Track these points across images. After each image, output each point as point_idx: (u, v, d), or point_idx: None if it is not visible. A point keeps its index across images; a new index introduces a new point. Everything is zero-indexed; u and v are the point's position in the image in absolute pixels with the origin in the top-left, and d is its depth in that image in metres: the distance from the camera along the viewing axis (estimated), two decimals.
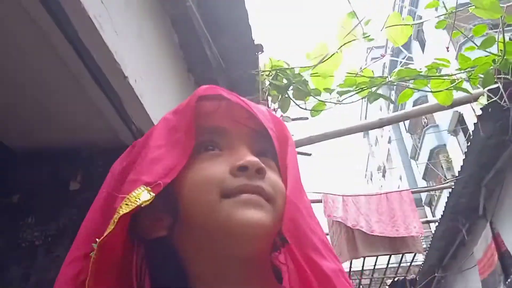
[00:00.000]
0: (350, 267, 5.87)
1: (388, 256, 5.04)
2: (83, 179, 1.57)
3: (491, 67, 2.26)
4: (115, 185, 0.58)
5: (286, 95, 2.19)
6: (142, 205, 0.50)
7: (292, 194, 0.54)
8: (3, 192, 1.52)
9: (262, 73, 2.16)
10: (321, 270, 0.50)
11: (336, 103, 2.27)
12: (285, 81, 2.22)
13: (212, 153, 0.57)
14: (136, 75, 1.45)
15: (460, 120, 13.61)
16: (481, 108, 3.12)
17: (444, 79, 2.45)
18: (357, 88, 2.35)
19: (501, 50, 2.20)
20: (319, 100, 2.23)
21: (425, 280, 6.38)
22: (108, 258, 0.51)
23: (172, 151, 0.56)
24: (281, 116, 2.22)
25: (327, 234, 4.25)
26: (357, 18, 2.15)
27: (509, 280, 3.99)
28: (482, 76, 2.39)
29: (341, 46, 2.17)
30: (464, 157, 3.80)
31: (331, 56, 2.16)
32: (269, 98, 2.22)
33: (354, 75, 2.33)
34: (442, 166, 15.88)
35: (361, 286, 7.27)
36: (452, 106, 2.77)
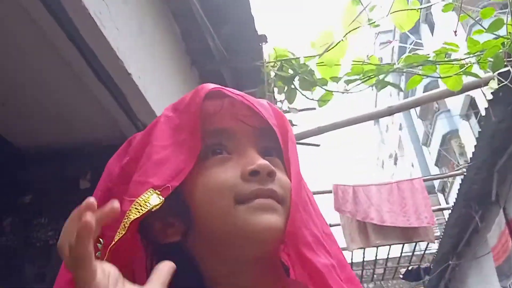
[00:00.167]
0: (364, 257, 5.86)
1: (402, 245, 5.02)
2: (92, 177, 1.58)
3: (500, 50, 2.21)
4: (116, 183, 0.58)
5: (292, 86, 2.16)
6: (152, 210, 0.50)
7: (293, 192, 0.55)
8: (16, 193, 1.54)
9: (267, 64, 2.14)
10: (313, 266, 0.51)
11: (343, 92, 2.24)
12: (290, 71, 2.19)
13: (221, 157, 0.57)
14: (140, 71, 1.45)
15: (472, 104, 13.41)
16: (492, 93, 3.07)
17: (453, 64, 2.40)
18: (364, 76, 2.31)
19: (510, 32, 2.15)
20: (326, 90, 2.20)
21: (439, 268, 6.34)
22: (118, 262, 0.50)
23: (178, 153, 0.56)
24: (288, 107, 2.20)
25: (339, 224, 4.24)
26: (362, 4, 2.11)
27: None
28: (491, 60, 2.34)
29: (347, 34, 2.13)
30: (475, 143, 3.74)
31: (336, 45, 2.12)
32: (275, 90, 2.20)
33: (361, 63, 2.29)
34: (454, 152, 15.71)
35: (374, 276, 7.27)
36: (462, 91, 2.72)
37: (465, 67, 2.36)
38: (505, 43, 2.23)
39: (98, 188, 0.59)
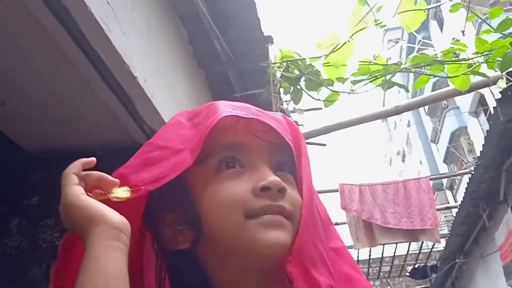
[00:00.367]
0: (370, 254, 5.85)
1: (408, 242, 5.01)
2: None
3: (509, 50, 2.19)
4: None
5: (298, 87, 2.16)
6: (110, 199, 0.54)
7: (304, 209, 0.56)
8: (23, 195, 1.56)
9: (273, 65, 2.14)
10: (316, 283, 0.52)
11: (349, 93, 2.23)
12: (296, 72, 2.19)
13: (234, 170, 0.58)
14: (146, 74, 1.46)
15: (482, 101, 13.29)
16: (500, 92, 3.04)
17: (461, 63, 2.38)
18: (371, 77, 2.31)
19: None
20: (332, 91, 2.20)
21: (446, 266, 6.32)
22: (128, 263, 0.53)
23: (170, 159, 0.57)
24: (294, 108, 2.20)
25: (345, 223, 4.24)
26: (368, 5, 2.10)
27: None
28: (499, 59, 2.32)
29: (353, 35, 2.13)
30: (483, 142, 3.72)
31: (342, 45, 2.12)
32: (281, 90, 2.20)
33: (368, 63, 2.29)
34: (463, 149, 15.58)
35: (381, 273, 7.26)
36: (470, 90, 2.70)
37: (473, 67, 2.34)
38: None
39: None
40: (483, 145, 3.77)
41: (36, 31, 1.15)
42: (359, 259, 5.96)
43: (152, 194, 0.60)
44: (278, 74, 2.16)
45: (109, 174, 0.60)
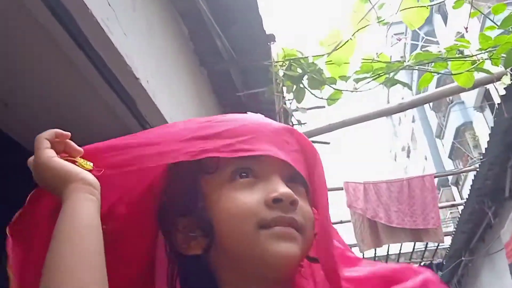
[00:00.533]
0: (375, 252, 5.84)
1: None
2: None
3: None
4: None
5: (301, 85, 2.16)
6: (76, 163, 0.58)
7: (322, 222, 0.59)
8: (26, 196, 1.56)
9: (275, 64, 2.14)
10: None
11: (352, 91, 2.23)
12: (299, 70, 2.19)
13: (247, 180, 0.59)
14: (148, 75, 1.46)
15: (487, 96, 13.20)
16: (504, 88, 3.02)
17: (465, 60, 2.37)
18: (374, 74, 2.30)
19: None
20: (334, 89, 2.19)
21: (452, 264, 6.29)
22: (139, 265, 0.59)
23: (154, 153, 0.60)
24: (297, 107, 2.20)
25: (349, 221, 4.24)
26: (370, 2, 2.09)
27: None
28: (504, 56, 2.30)
29: (355, 32, 2.12)
30: (488, 139, 3.70)
31: (345, 43, 2.11)
32: (284, 89, 2.20)
33: (371, 60, 2.28)
34: (468, 144, 15.50)
35: None
36: (473, 87, 2.68)
37: (477, 63, 2.32)
38: None
39: None
40: (488, 141, 3.74)
41: (38, 33, 1.16)
42: (365, 257, 5.95)
43: (165, 195, 0.63)
44: (281, 73, 2.16)
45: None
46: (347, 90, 2.24)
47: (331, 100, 2.30)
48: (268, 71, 2.14)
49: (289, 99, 2.22)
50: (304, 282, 0.63)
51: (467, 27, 2.26)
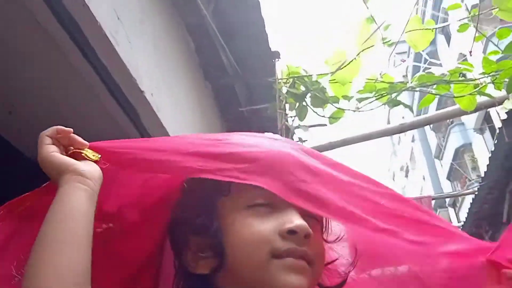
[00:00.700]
0: None
1: None
2: None
3: None
4: None
5: (304, 103, 2.17)
6: (82, 154, 0.62)
7: None
8: None
9: (279, 81, 2.15)
10: None
11: (355, 111, 2.23)
12: (302, 88, 2.20)
13: (264, 209, 0.60)
14: (153, 88, 1.46)
15: (487, 118, 13.26)
16: (506, 112, 3.03)
17: (468, 83, 2.38)
18: (377, 94, 2.30)
19: None
20: (337, 108, 2.20)
21: None
22: (146, 275, 0.61)
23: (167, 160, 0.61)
24: (299, 124, 2.20)
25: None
26: (376, 23, 2.11)
27: None
28: (507, 80, 2.31)
29: (360, 52, 2.13)
30: (488, 163, 3.70)
31: (349, 63, 2.12)
32: (287, 106, 2.20)
33: (374, 80, 2.29)
34: (467, 166, 15.51)
35: None
36: (475, 110, 2.69)
37: (479, 87, 2.33)
38: None
39: None
40: (487, 165, 3.75)
41: (46, 43, 1.16)
42: None
43: (180, 210, 0.64)
44: (284, 90, 2.16)
45: None
46: (349, 109, 2.24)
47: (333, 118, 2.31)
48: (272, 87, 2.15)
49: (291, 116, 2.23)
50: None
51: (471, 51, 2.28)
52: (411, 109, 2.28)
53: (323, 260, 0.61)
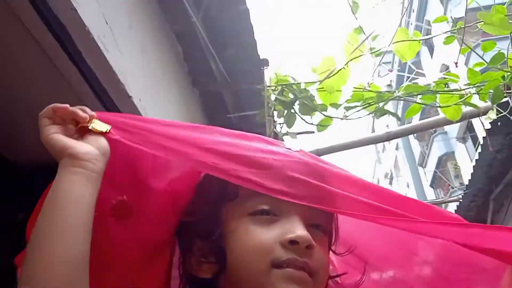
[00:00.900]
0: None
1: None
2: None
3: (501, 83, 2.22)
4: None
5: (292, 111, 2.17)
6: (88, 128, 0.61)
7: None
8: (8, 211, 1.51)
9: (268, 88, 2.15)
10: None
11: (342, 119, 2.24)
12: (291, 96, 2.20)
13: (267, 217, 0.59)
14: (140, 93, 1.45)
15: (469, 127, 13.50)
16: (490, 122, 3.08)
17: (453, 94, 2.42)
18: (364, 103, 2.32)
19: (510, 66, 2.17)
20: (325, 116, 2.21)
21: None
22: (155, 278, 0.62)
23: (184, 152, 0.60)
24: (287, 131, 2.20)
25: None
26: (364, 33, 2.13)
27: None
28: (491, 91, 2.35)
29: (348, 62, 2.15)
30: (472, 171, 3.76)
31: (338, 72, 2.14)
32: (275, 113, 2.20)
33: (362, 89, 2.30)
34: (450, 174, 15.74)
35: None
36: (460, 120, 2.73)
37: (464, 97, 2.37)
38: (506, 76, 2.25)
39: None
40: (471, 173, 3.81)
41: (32, 47, 1.14)
42: None
43: (189, 212, 0.64)
44: (273, 97, 2.16)
45: None
46: (337, 117, 2.25)
47: (321, 126, 2.31)
48: (260, 94, 2.15)
49: (280, 123, 2.23)
50: None
51: (457, 62, 2.31)
52: (398, 118, 2.31)
53: (326, 273, 0.60)
